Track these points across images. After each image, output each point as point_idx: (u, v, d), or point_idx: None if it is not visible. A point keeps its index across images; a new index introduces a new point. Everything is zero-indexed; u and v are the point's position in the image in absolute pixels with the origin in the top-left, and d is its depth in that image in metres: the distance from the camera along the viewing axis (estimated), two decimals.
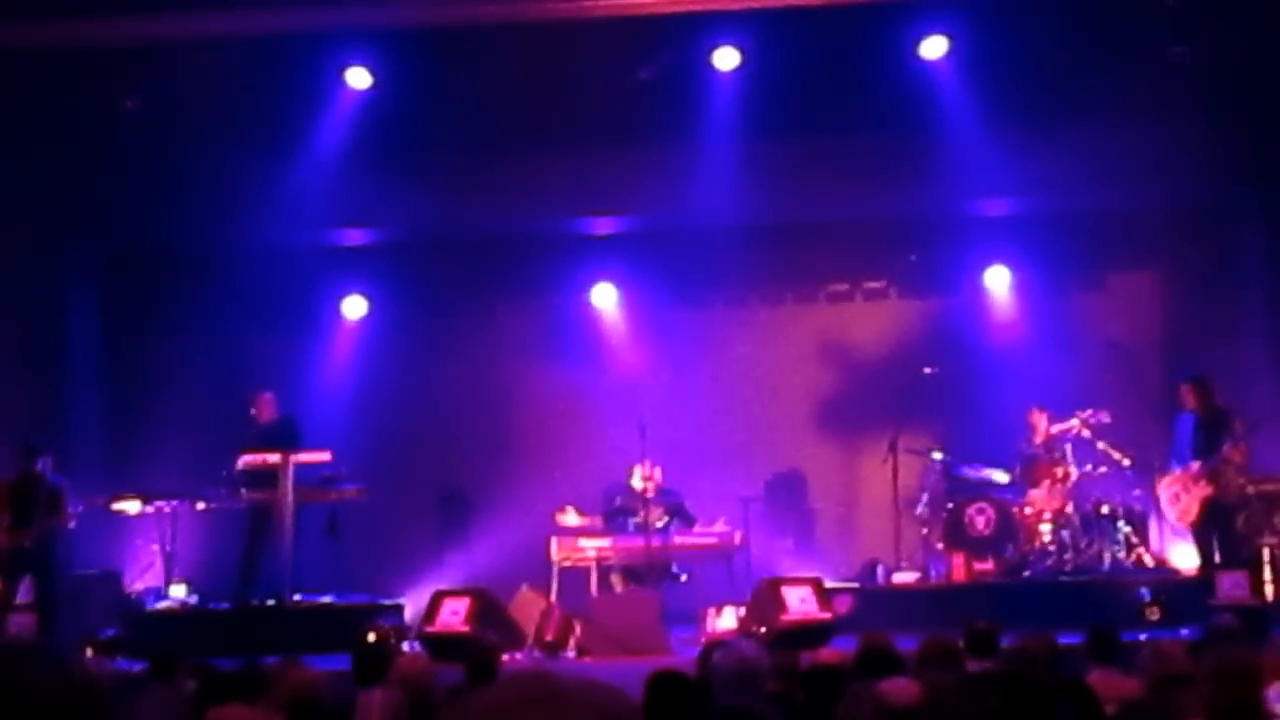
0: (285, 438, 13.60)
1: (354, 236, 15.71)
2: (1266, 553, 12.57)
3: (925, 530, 14.16)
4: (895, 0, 12.79)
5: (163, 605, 13.56)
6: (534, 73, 13.32)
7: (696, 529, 13.33)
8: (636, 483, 13.35)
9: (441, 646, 11.07)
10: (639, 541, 12.90)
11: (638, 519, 13.17)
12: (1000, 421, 14.22)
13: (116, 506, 13.54)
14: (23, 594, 12.50)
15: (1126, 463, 13.61)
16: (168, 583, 13.70)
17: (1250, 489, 12.92)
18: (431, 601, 11.96)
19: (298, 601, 13.19)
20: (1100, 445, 13.62)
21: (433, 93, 13.68)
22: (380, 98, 13.73)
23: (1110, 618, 9.31)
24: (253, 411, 13.96)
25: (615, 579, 13.18)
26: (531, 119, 13.77)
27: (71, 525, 12.77)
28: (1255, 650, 6.34)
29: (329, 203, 14.26)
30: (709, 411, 15.32)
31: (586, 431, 15.11)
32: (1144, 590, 12.40)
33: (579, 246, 15.66)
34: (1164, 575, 13.21)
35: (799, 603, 11.59)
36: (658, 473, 13.28)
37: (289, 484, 13.23)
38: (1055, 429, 13.81)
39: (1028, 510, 13.64)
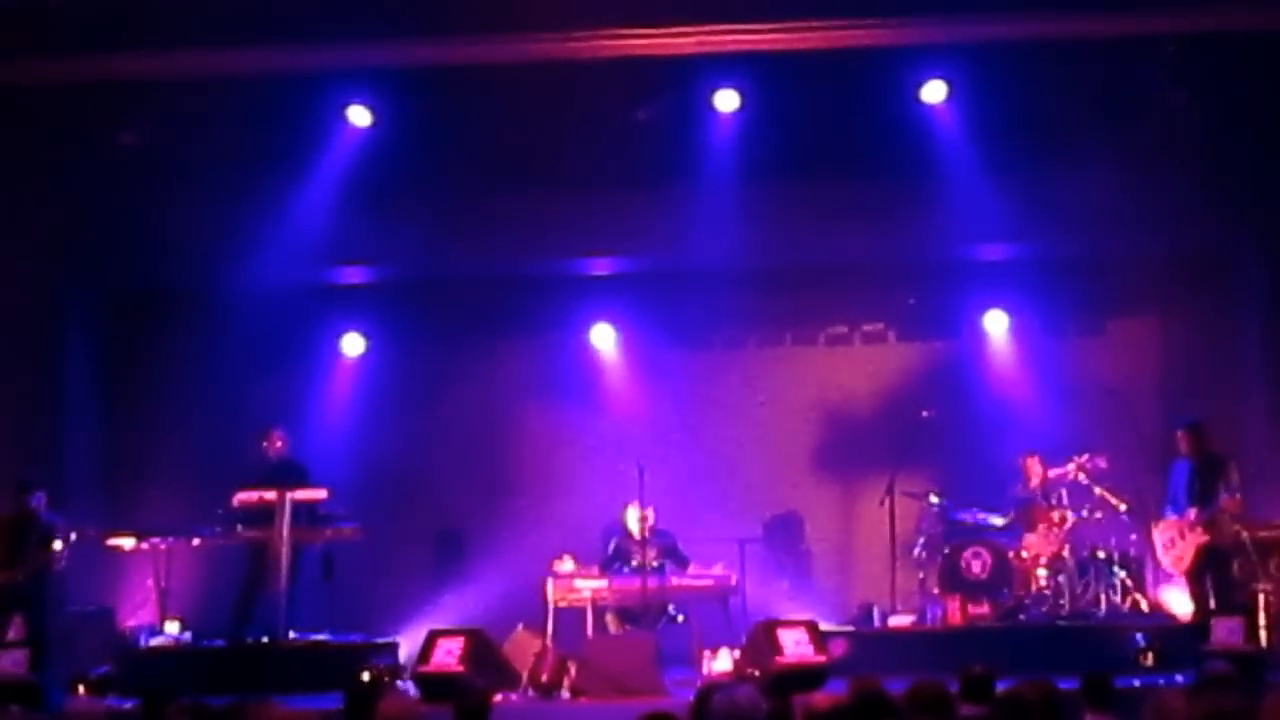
0: (293, 476, 13.58)
1: (353, 275, 15.69)
2: (1261, 599, 12.56)
3: (921, 574, 14.12)
4: (895, 45, 12.78)
5: (156, 643, 13.48)
6: (534, 113, 13.35)
7: (692, 569, 13.30)
8: (632, 525, 13.32)
9: (435, 686, 11.04)
10: (635, 583, 12.86)
11: (634, 564, 13.13)
12: (998, 465, 14.22)
13: (111, 543, 13.50)
14: (14, 631, 12.47)
15: (1123, 508, 13.59)
16: (162, 620, 13.63)
17: (1245, 535, 12.87)
18: (426, 641, 11.89)
19: (293, 640, 13.13)
20: (1097, 490, 13.60)
21: (433, 132, 13.69)
22: (380, 137, 13.75)
23: (1105, 663, 9.29)
24: (264, 445, 13.90)
25: (611, 620, 13.14)
26: (531, 159, 13.77)
27: (62, 563, 12.75)
28: (1248, 697, 6.31)
29: (328, 241, 14.24)
30: (707, 453, 15.30)
31: (584, 472, 15.03)
32: (1139, 636, 12.38)
33: (578, 287, 15.67)
34: (1159, 621, 13.18)
35: (794, 645, 11.52)
36: (650, 514, 13.25)
37: (285, 522, 13.21)
38: (1052, 473, 13.80)
39: (1024, 554, 13.60)
